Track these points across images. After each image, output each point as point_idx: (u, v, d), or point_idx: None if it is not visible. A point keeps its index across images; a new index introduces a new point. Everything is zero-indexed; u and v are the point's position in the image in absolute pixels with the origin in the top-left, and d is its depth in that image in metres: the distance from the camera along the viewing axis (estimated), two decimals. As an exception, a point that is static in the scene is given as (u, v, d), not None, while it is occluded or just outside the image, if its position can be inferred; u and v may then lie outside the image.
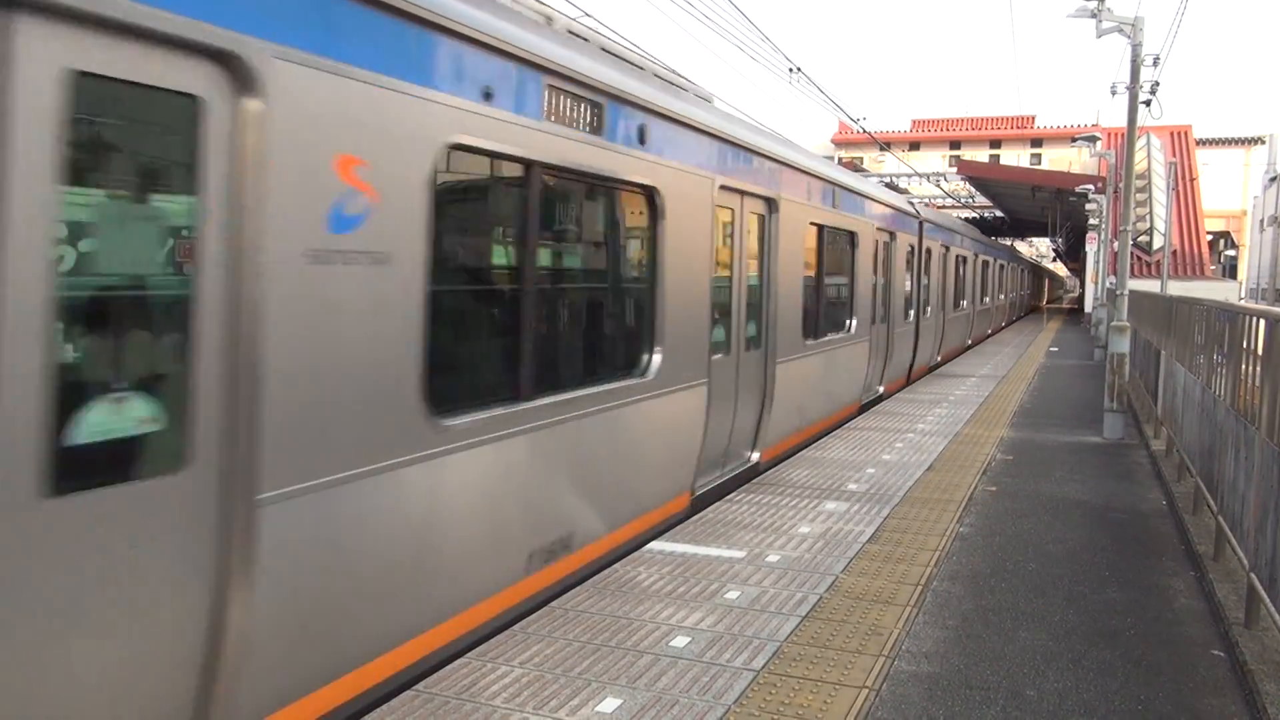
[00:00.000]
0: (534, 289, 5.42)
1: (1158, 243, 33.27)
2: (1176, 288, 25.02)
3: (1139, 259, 33.44)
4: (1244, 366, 6.09)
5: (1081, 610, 5.62)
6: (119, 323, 3.32)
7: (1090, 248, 35.19)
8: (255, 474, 3.56)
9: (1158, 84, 18.28)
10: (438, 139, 4.48)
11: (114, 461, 3.18)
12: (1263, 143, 55.89)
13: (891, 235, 14.54)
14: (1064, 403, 14.82)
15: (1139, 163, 34.07)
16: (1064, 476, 9.31)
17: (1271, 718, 4.25)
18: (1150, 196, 34.58)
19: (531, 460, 5.38)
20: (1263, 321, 5.70)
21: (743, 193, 8.27)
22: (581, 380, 6.01)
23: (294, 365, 3.72)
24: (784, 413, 9.59)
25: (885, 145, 39.22)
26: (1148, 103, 16.88)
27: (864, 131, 31.54)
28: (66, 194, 2.98)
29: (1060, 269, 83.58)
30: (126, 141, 3.38)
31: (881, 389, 14.72)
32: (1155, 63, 18.54)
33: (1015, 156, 61.90)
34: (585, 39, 6.37)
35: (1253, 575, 5.24)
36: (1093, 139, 30.39)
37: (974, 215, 48.06)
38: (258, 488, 3.57)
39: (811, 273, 10.60)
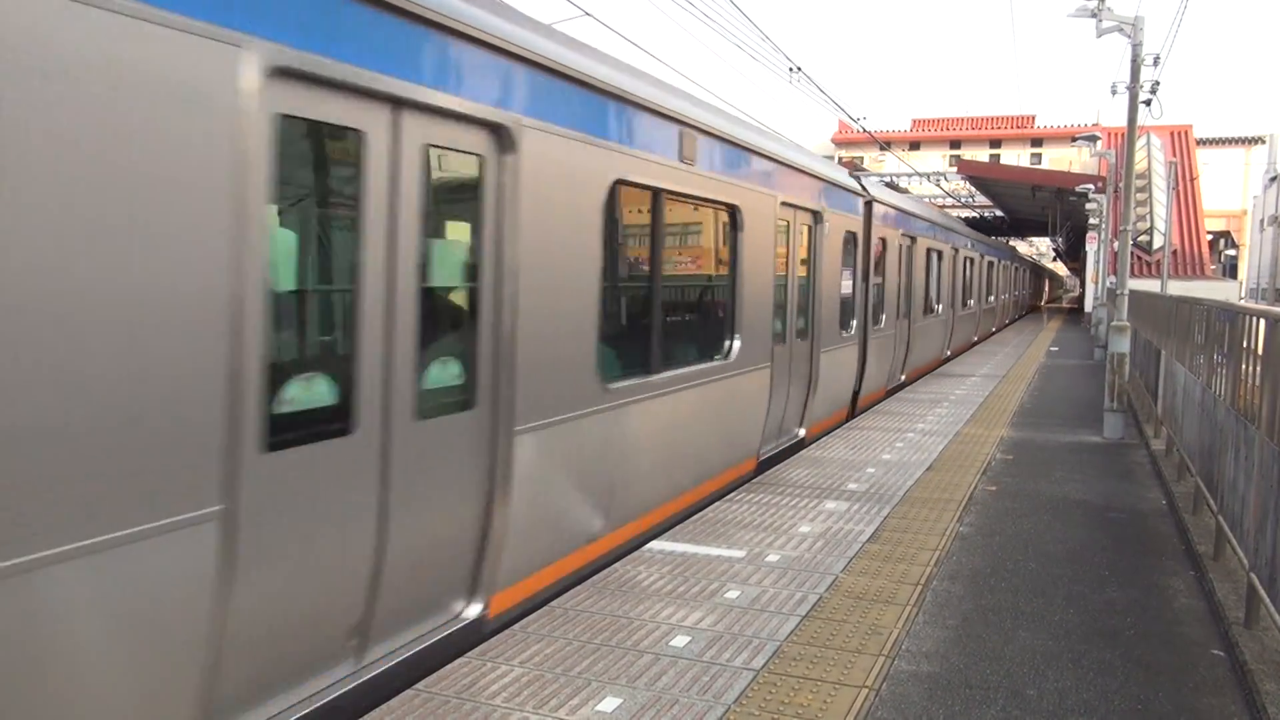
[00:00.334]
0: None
1: (1158, 242, 33.29)
2: (1176, 287, 25.04)
3: (1139, 259, 33.46)
4: (1244, 366, 6.10)
5: (1081, 610, 5.62)
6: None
7: (1090, 247, 35.20)
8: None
9: (1158, 83, 18.30)
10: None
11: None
12: (1263, 142, 55.90)
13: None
14: (1064, 402, 14.82)
15: (1139, 162, 34.09)
16: (1064, 476, 9.31)
17: (1271, 717, 4.25)
18: (1150, 196, 34.60)
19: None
20: (1263, 321, 5.70)
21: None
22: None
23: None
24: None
25: (885, 145, 39.28)
26: (1148, 102, 16.89)
27: (864, 131, 31.58)
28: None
29: (1060, 268, 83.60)
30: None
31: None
32: (1155, 62, 18.56)
33: (1015, 156, 61.95)
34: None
35: (1253, 575, 5.24)
36: (1093, 139, 30.41)
37: (974, 215, 48.08)
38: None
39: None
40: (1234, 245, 56.83)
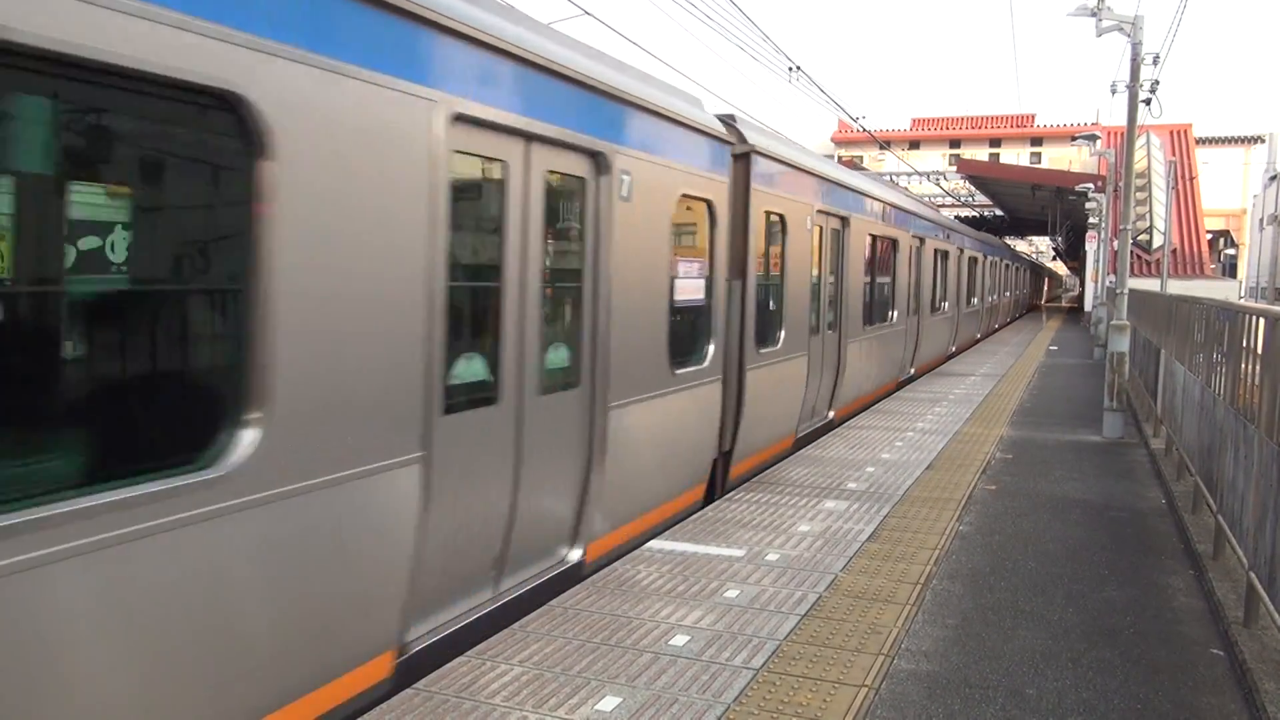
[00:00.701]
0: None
1: (1157, 241, 33.26)
2: (1176, 286, 25.01)
3: (1139, 258, 33.44)
4: (1243, 365, 6.10)
5: (1081, 609, 5.62)
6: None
7: (1090, 246, 35.16)
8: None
9: (1158, 83, 18.26)
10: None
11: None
12: (1262, 141, 55.84)
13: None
14: (1064, 401, 14.83)
15: (1139, 161, 34.07)
16: (1064, 475, 9.32)
17: (1271, 716, 4.25)
18: (1150, 195, 34.58)
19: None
20: (1262, 320, 5.70)
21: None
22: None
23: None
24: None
25: (885, 144, 39.27)
26: (1148, 101, 16.87)
27: (864, 130, 31.57)
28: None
29: (1060, 268, 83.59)
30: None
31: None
32: (1155, 61, 18.52)
33: (1015, 155, 61.87)
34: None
35: (1252, 574, 5.24)
36: (1093, 138, 30.41)
37: (974, 214, 48.07)
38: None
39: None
40: (1233, 244, 56.78)
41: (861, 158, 51.92)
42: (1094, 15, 13.35)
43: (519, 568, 5.54)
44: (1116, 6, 13.44)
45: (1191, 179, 39.93)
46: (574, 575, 5.93)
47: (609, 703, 4.21)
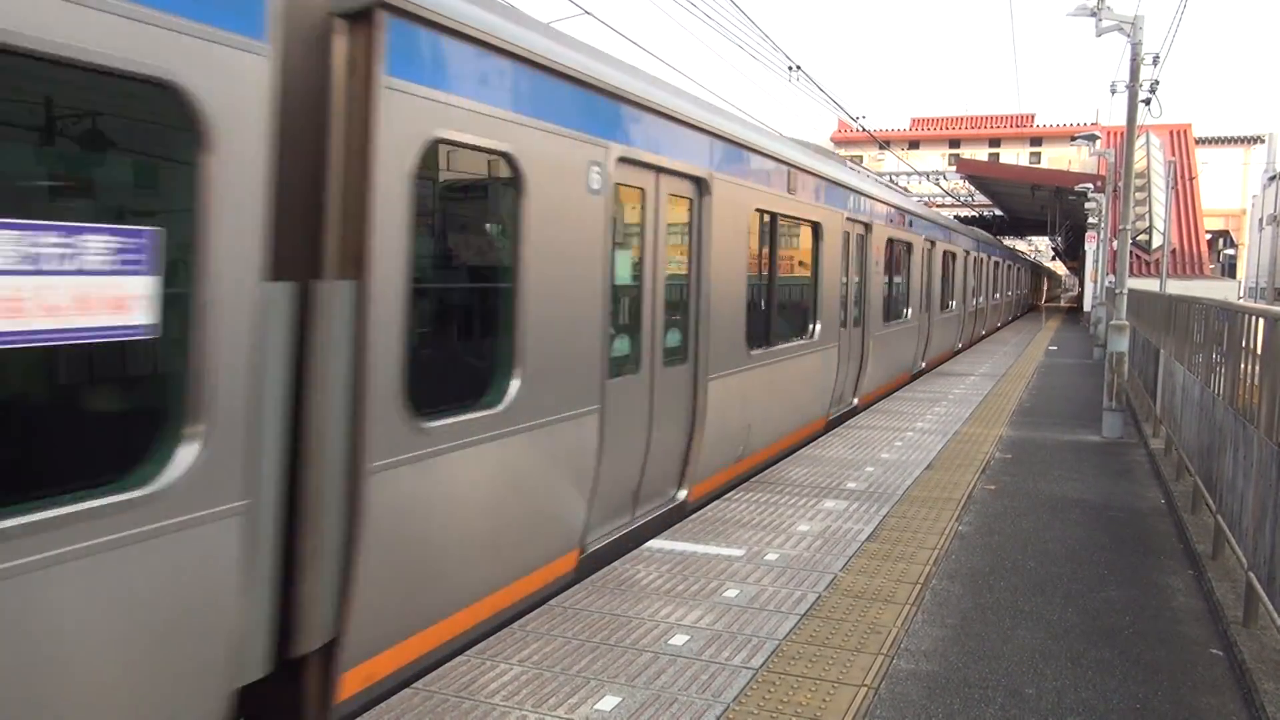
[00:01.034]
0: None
1: (1157, 241, 33.28)
2: (1175, 286, 25.01)
3: (1138, 258, 33.46)
4: (1243, 365, 6.10)
5: (1080, 609, 5.62)
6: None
7: (1089, 246, 35.15)
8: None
9: (1157, 83, 18.27)
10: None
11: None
12: (1262, 142, 55.85)
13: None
14: (1063, 401, 14.83)
15: (1138, 161, 34.08)
16: (1063, 475, 9.32)
17: (1270, 716, 4.25)
18: (1149, 195, 34.59)
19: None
20: (1261, 320, 5.70)
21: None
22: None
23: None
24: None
25: (884, 144, 39.27)
26: (1147, 101, 16.88)
27: (863, 130, 31.57)
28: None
29: (1059, 268, 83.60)
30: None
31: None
32: (1155, 61, 18.53)
33: (1015, 155, 61.88)
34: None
35: (1251, 574, 5.25)
36: (1092, 138, 30.38)
37: (973, 214, 48.06)
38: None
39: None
40: (1233, 244, 56.80)
41: (861, 157, 51.93)
42: (1094, 15, 13.35)
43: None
44: (1116, 6, 13.44)
45: (1191, 179, 39.95)
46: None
47: (608, 702, 4.21)
